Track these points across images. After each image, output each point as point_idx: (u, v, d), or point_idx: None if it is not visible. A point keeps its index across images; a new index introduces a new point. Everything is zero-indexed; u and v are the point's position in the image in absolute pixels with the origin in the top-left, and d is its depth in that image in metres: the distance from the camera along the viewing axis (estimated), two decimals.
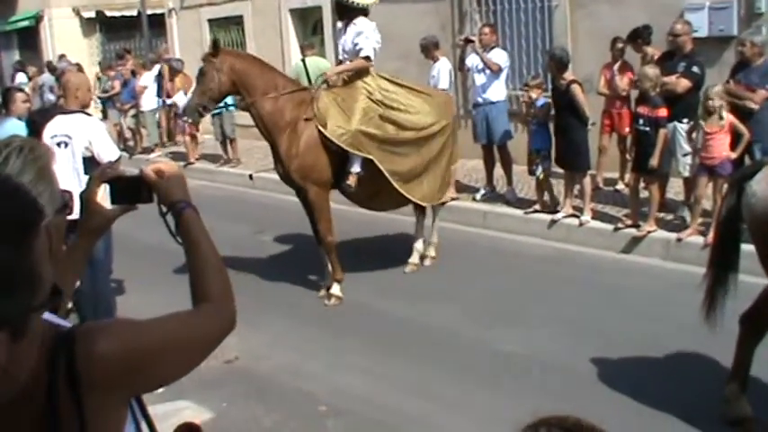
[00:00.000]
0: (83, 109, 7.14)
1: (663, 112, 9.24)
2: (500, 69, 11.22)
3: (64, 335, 1.72)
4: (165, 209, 2.11)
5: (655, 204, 9.49)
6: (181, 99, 15.06)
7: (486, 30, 11.71)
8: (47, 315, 1.78)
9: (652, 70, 9.45)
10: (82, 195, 1.98)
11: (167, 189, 2.06)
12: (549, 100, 10.40)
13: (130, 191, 2.08)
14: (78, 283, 6.44)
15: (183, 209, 2.06)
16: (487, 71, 11.26)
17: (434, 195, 9.19)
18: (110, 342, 1.72)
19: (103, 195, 2.12)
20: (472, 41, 11.15)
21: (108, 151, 6.90)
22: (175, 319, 1.91)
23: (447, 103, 9.49)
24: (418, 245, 9.39)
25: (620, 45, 11.00)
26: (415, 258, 9.33)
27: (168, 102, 17.42)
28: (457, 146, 9.65)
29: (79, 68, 20.57)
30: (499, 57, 11.34)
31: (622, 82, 10.77)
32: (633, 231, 9.50)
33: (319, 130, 8.32)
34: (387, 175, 8.54)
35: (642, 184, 9.66)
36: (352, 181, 8.48)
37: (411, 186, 8.84)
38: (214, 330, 1.98)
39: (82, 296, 6.78)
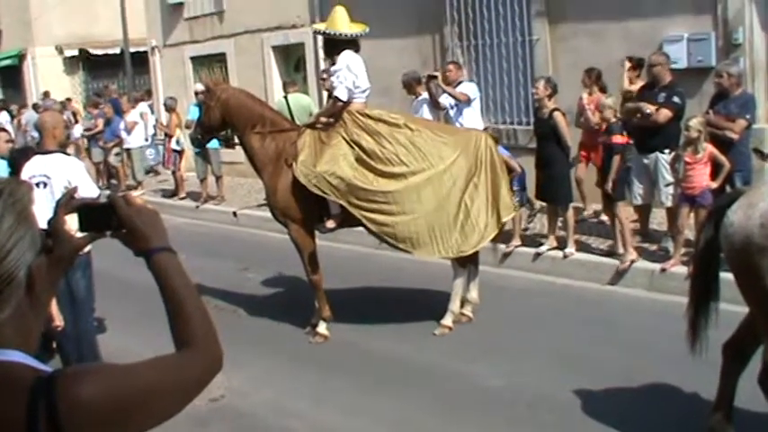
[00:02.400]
0: (61, 148, 7.13)
1: (618, 138, 9.45)
2: (468, 100, 11.19)
3: (45, 380, 1.70)
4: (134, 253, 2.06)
5: (625, 231, 9.56)
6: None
7: (451, 66, 11.73)
8: (25, 358, 1.77)
9: (611, 99, 9.60)
10: (49, 223, 1.94)
11: (139, 229, 2.00)
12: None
13: (100, 218, 2.03)
14: (61, 324, 6.44)
15: (153, 252, 1.99)
16: (460, 104, 11.26)
17: (453, 247, 8.06)
18: (93, 388, 1.70)
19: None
20: (435, 77, 11.14)
21: (87, 191, 6.88)
22: (160, 363, 1.88)
23: (470, 142, 8.21)
24: (454, 306, 8.40)
25: (587, 80, 11.07)
26: (448, 321, 8.33)
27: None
28: (504, 191, 8.26)
29: (63, 106, 20.67)
30: (467, 88, 11.35)
31: (594, 115, 10.85)
32: (617, 263, 9.54)
33: None
34: (372, 231, 8.18)
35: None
36: (330, 223, 8.39)
37: (410, 244, 8.08)
38: (199, 374, 1.94)
39: (64, 337, 6.73)
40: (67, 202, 2.03)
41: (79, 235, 2.03)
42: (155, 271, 1.98)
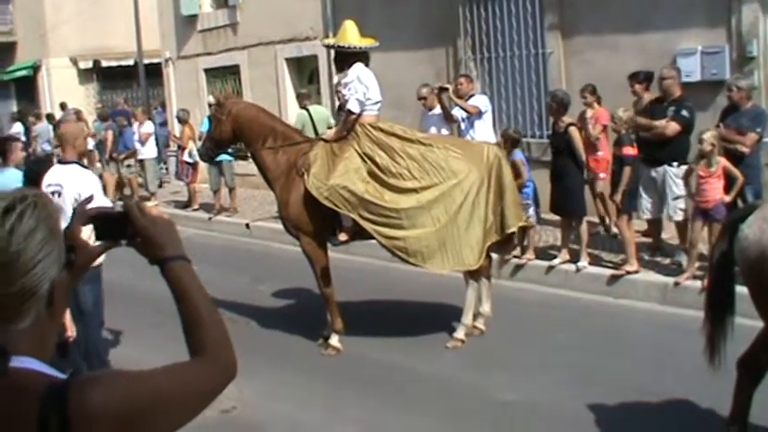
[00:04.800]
0: (79, 159, 7.18)
1: (629, 150, 9.45)
2: (479, 112, 11.19)
3: (57, 386, 1.71)
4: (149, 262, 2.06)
5: (629, 244, 9.57)
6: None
7: (462, 80, 11.80)
8: (40, 366, 1.78)
9: (623, 113, 9.66)
10: (65, 232, 1.95)
11: (154, 238, 2.02)
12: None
13: (115, 227, 2.04)
14: (73, 334, 6.45)
15: (168, 260, 2.01)
16: (471, 117, 11.28)
17: (464, 260, 8.07)
18: (104, 394, 1.71)
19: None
20: (446, 89, 11.15)
21: (98, 202, 6.88)
22: (172, 370, 1.89)
23: (480, 156, 8.18)
24: (467, 319, 8.40)
25: (586, 94, 11.08)
26: (460, 334, 8.31)
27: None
28: (511, 202, 8.23)
29: (78, 116, 20.80)
30: (479, 101, 11.37)
31: (595, 129, 10.83)
32: (630, 277, 9.51)
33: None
34: (383, 245, 8.14)
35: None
36: (342, 236, 8.38)
37: (421, 258, 8.04)
38: (211, 382, 1.95)
39: (73, 348, 6.75)
40: (83, 211, 2.04)
41: (95, 244, 2.05)
42: (169, 279, 1.99)
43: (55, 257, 1.82)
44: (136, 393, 1.76)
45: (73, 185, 6.69)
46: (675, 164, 9.59)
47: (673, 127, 9.57)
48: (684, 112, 9.64)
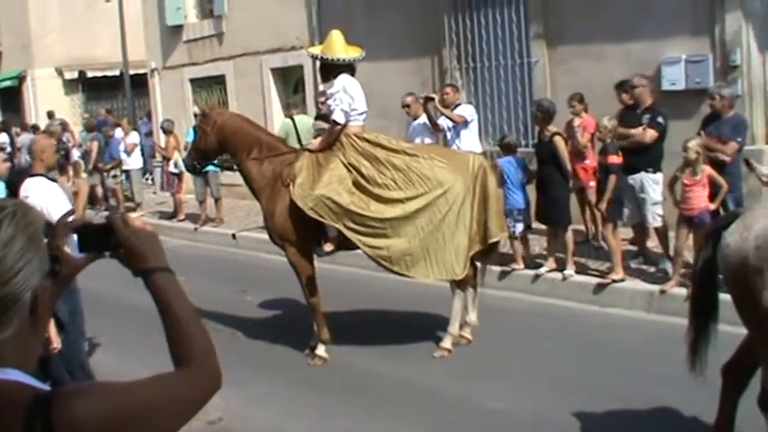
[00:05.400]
0: (48, 171, 7.22)
1: (613, 158, 9.51)
2: (465, 121, 11.22)
3: (41, 398, 1.71)
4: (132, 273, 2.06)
5: (615, 252, 9.62)
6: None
7: (448, 89, 11.78)
8: (24, 377, 1.77)
9: (608, 122, 9.70)
10: (48, 244, 1.96)
11: (137, 249, 2.03)
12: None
13: (98, 239, 2.04)
14: (59, 346, 6.43)
15: (151, 272, 2.00)
16: (457, 127, 11.29)
17: (448, 269, 8.07)
18: (89, 406, 1.70)
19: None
20: (432, 99, 11.16)
21: (62, 204, 6.86)
22: (157, 381, 1.88)
23: (465, 166, 8.23)
24: (453, 328, 8.38)
25: (574, 102, 11.13)
26: (447, 343, 8.31)
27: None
28: (494, 213, 8.28)
29: (64, 126, 20.75)
30: (465, 110, 11.39)
31: (583, 138, 10.89)
32: (616, 285, 9.54)
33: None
34: (368, 254, 8.17)
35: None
36: (327, 247, 8.36)
37: (405, 267, 8.06)
38: (197, 392, 1.95)
39: (57, 360, 6.72)
40: (66, 223, 2.04)
41: (78, 255, 2.04)
42: (153, 290, 1.99)
43: (36, 265, 1.82)
44: (121, 405, 1.76)
45: (38, 198, 6.70)
46: (651, 170, 9.77)
47: (651, 134, 9.76)
48: (660, 119, 9.83)
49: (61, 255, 1.96)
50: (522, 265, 10.55)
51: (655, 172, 9.78)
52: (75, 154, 19.64)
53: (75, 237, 2.03)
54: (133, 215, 17.71)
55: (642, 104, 10.05)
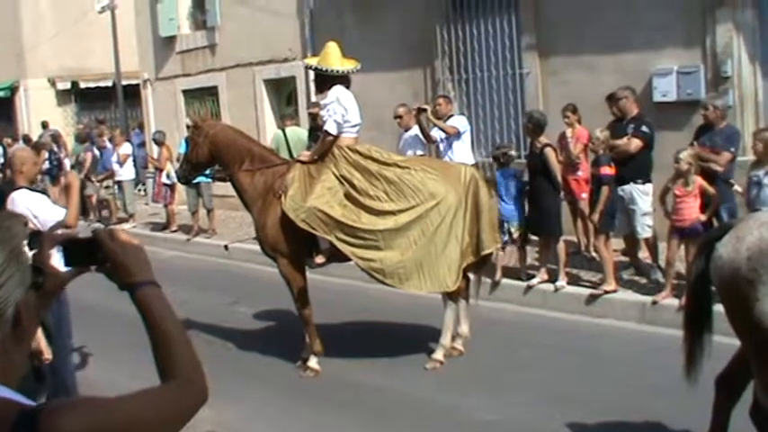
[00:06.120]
0: (30, 184, 7.20)
1: (606, 169, 9.53)
2: (458, 133, 11.21)
3: (27, 414, 1.69)
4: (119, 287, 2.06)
5: (607, 263, 9.63)
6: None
7: (441, 100, 11.78)
8: (8, 393, 1.76)
9: (600, 133, 9.75)
10: (34, 258, 1.95)
11: (123, 263, 2.02)
12: None
13: (85, 253, 2.03)
14: (50, 357, 6.40)
15: (137, 286, 2.00)
16: (450, 138, 11.28)
17: (441, 282, 8.05)
18: (76, 422, 1.69)
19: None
20: (425, 110, 11.16)
21: (52, 215, 6.84)
22: (144, 395, 1.87)
23: (457, 177, 8.21)
24: (445, 340, 8.34)
25: (568, 113, 11.15)
26: (439, 355, 8.27)
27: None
28: (487, 224, 8.23)
29: (54, 138, 20.75)
30: (457, 122, 11.40)
31: (575, 149, 10.91)
32: (608, 296, 9.54)
33: None
34: (361, 267, 8.14)
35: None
36: (319, 259, 8.35)
37: (398, 280, 8.03)
38: (184, 407, 1.94)
39: (48, 371, 6.69)
40: (53, 237, 2.03)
41: (64, 269, 2.03)
42: (139, 304, 1.98)
43: (18, 280, 1.81)
44: (108, 420, 1.75)
45: (23, 209, 6.68)
46: (640, 181, 9.78)
47: (635, 143, 9.80)
48: (644, 128, 9.88)
49: (46, 268, 1.95)
50: (499, 275, 10.56)
51: (644, 183, 9.79)
52: (68, 164, 19.62)
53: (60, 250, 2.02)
54: (125, 226, 17.74)
55: (628, 115, 10.10)
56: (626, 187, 9.84)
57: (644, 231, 9.84)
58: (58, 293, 2.04)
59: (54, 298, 2.06)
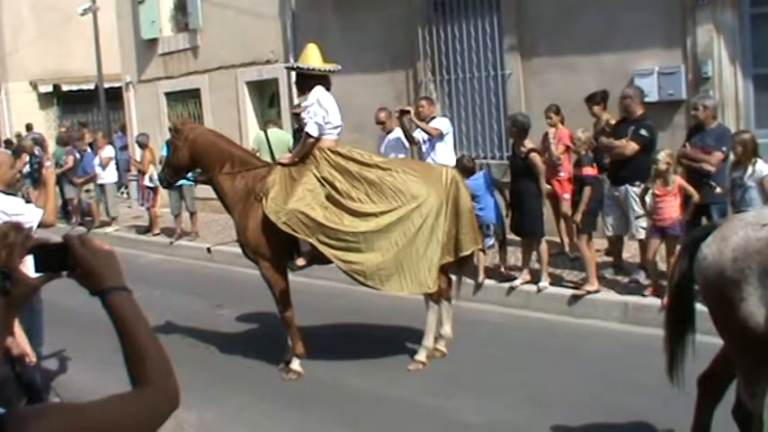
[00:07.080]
0: (7, 187, 7.15)
1: (588, 170, 9.55)
2: (441, 134, 11.21)
3: None
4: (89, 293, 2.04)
5: (589, 263, 9.66)
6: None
7: (423, 102, 11.78)
8: None
9: (582, 134, 9.78)
10: (5, 264, 1.92)
11: (94, 269, 2.00)
12: None
13: (55, 259, 2.01)
14: (34, 359, 6.34)
15: (108, 292, 1.99)
16: (432, 139, 11.27)
17: (422, 283, 8.02)
18: (45, 428, 1.68)
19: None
20: (407, 112, 11.15)
21: (29, 216, 6.78)
22: (114, 402, 1.86)
23: (439, 179, 8.22)
24: (428, 341, 8.36)
25: (551, 114, 11.18)
26: (422, 356, 8.28)
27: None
28: (467, 226, 8.29)
29: (36, 141, 20.63)
30: (440, 123, 11.40)
31: (558, 149, 10.93)
32: (591, 296, 9.56)
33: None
34: (342, 269, 8.11)
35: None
36: (300, 261, 8.34)
37: (379, 281, 8.00)
38: (155, 412, 1.93)
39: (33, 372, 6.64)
40: (23, 243, 2.01)
41: (35, 275, 2.01)
42: (110, 310, 1.97)
43: None
44: (78, 426, 1.73)
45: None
46: (637, 183, 9.70)
47: (631, 147, 9.69)
48: (643, 132, 9.76)
49: (15, 274, 1.93)
50: (482, 276, 10.56)
51: (640, 185, 9.68)
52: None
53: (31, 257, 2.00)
54: (108, 229, 17.64)
55: (632, 116, 10.00)
56: (622, 188, 9.82)
57: (638, 233, 9.81)
58: (28, 299, 2.02)
59: (25, 304, 2.03)
